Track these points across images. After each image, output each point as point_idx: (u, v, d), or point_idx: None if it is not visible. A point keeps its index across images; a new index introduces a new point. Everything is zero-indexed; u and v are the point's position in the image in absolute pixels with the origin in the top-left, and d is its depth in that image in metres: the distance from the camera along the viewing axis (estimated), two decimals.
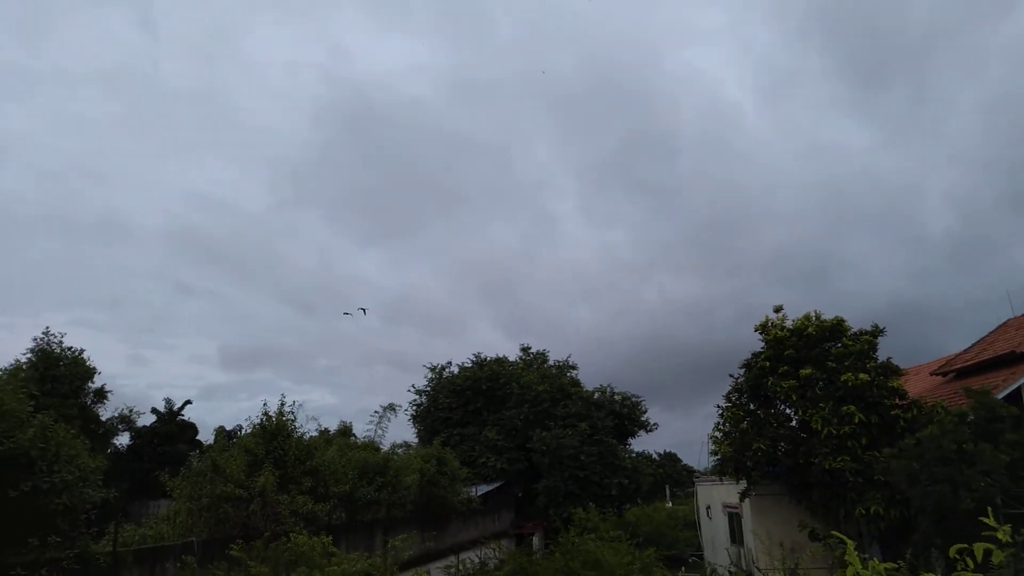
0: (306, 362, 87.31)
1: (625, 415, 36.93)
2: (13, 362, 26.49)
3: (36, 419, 10.16)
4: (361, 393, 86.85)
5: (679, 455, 67.87)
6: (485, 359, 37.93)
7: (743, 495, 18.62)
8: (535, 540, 31.62)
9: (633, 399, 37.90)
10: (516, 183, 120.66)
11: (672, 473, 62.62)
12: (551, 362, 40.18)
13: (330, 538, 12.38)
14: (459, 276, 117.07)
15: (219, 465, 14.21)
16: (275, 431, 15.50)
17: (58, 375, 27.81)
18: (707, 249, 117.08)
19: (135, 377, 76.71)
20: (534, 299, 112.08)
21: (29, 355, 27.78)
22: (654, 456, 57.17)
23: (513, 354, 40.33)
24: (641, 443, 39.74)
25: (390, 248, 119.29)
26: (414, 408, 37.66)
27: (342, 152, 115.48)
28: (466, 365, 37.94)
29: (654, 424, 38.20)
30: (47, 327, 35.05)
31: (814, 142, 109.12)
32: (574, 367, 39.72)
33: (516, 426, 34.00)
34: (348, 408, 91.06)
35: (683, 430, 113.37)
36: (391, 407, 36.81)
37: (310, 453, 16.12)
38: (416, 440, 36.43)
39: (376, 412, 36.34)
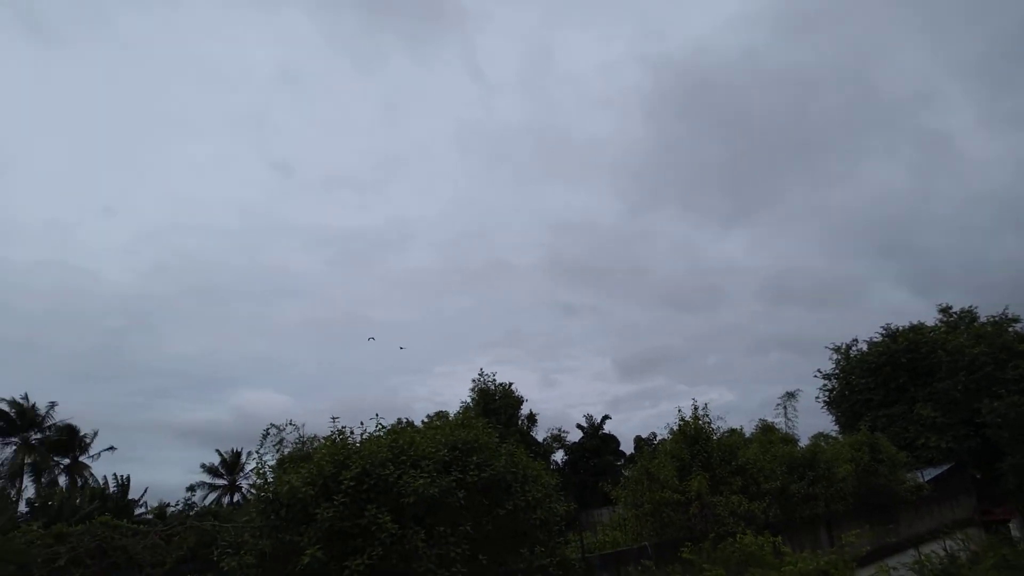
0: (696, 361, 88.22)
1: None
2: (461, 404, 32.22)
3: (503, 448, 12.07)
4: (758, 384, 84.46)
5: None
6: (897, 329, 33.76)
7: None
8: (1012, 527, 26.79)
9: None
10: (887, 107, 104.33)
11: None
12: (982, 319, 33.98)
13: (779, 537, 12.22)
14: (841, 235, 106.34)
15: (652, 472, 15.13)
16: (695, 435, 15.95)
17: (496, 407, 32.77)
18: None
19: (551, 401, 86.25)
20: (940, 242, 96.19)
21: (472, 394, 33.42)
22: None
23: (930, 317, 35.24)
24: None
25: (756, 223, 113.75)
26: (826, 394, 35.20)
27: (680, 136, 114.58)
28: (875, 339, 34.26)
29: None
30: (481, 368, 41.67)
31: None
32: (1016, 320, 32.96)
33: (955, 399, 29.41)
34: (748, 403, 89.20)
35: None
36: (790, 395, 35.04)
37: (733, 453, 16.18)
38: (835, 427, 33.97)
39: (777, 404, 34.97)
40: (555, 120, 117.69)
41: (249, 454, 47.32)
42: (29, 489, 37.80)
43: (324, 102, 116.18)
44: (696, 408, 16.60)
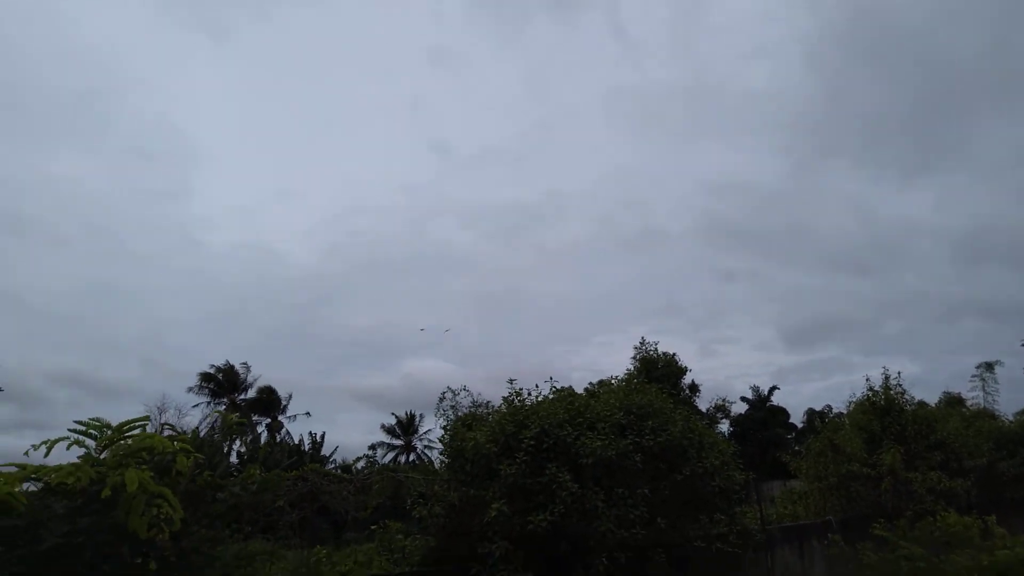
0: (872, 329, 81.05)
1: None
2: (626, 371, 31.99)
3: (678, 413, 11.87)
4: (948, 355, 76.13)
5: None
6: None
7: None
8: None
9: None
10: None
11: None
12: None
13: (993, 517, 11.13)
14: None
15: (837, 444, 14.26)
16: (887, 406, 14.83)
17: (659, 376, 32.22)
18: None
19: (712, 371, 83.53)
20: None
21: (634, 363, 33.09)
22: None
23: None
24: None
25: (944, 174, 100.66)
26: None
27: (851, 82, 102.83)
28: None
29: None
30: (643, 337, 41.13)
31: None
32: None
33: None
34: (936, 376, 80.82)
35: None
36: (989, 366, 31.17)
37: (930, 426, 14.86)
38: None
39: (974, 375, 31.39)
40: (707, 76, 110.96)
41: (422, 417, 50.58)
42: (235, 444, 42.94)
43: (472, 77, 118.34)
44: (887, 377, 15.42)
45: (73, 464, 4.85)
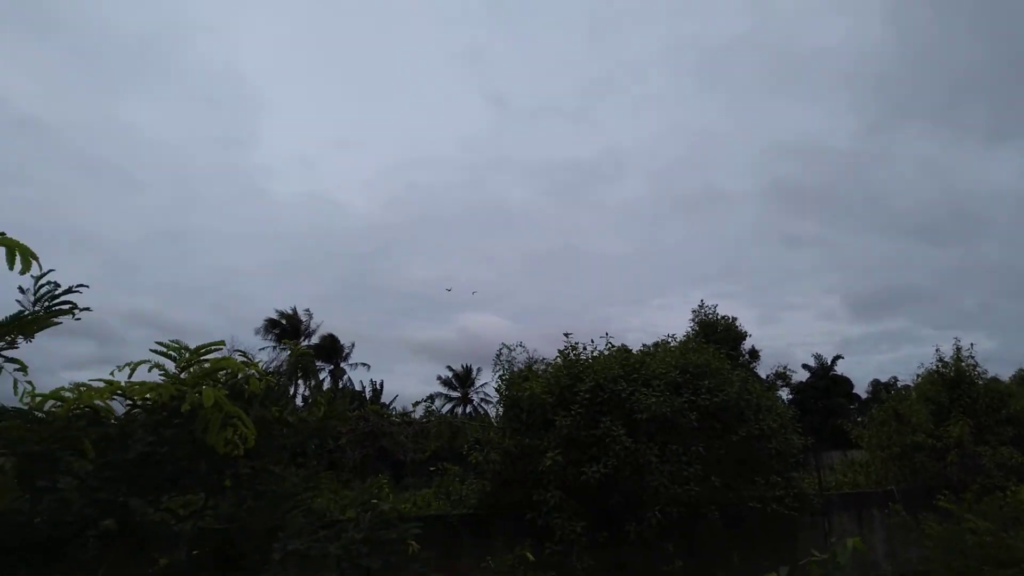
0: (946, 302, 77.90)
1: None
2: (686, 332, 31.60)
3: (735, 374, 11.73)
4: None
5: None
6: None
7: None
8: None
9: None
10: None
11: None
12: None
13: None
14: None
15: (901, 414, 13.88)
16: (956, 378, 14.32)
17: (717, 339, 31.70)
18: None
19: (772, 338, 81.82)
20: None
21: (692, 325, 32.60)
22: None
23: None
24: None
25: None
26: None
27: (933, 38, 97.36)
28: None
29: None
30: (702, 300, 40.57)
31: None
32: None
33: None
34: (1012, 353, 76.91)
35: None
36: None
37: (1003, 400, 14.29)
38: None
39: None
40: (779, 30, 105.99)
41: (479, 370, 51.55)
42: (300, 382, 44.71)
43: (532, 30, 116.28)
44: (959, 349, 14.84)
45: (155, 382, 5.19)
